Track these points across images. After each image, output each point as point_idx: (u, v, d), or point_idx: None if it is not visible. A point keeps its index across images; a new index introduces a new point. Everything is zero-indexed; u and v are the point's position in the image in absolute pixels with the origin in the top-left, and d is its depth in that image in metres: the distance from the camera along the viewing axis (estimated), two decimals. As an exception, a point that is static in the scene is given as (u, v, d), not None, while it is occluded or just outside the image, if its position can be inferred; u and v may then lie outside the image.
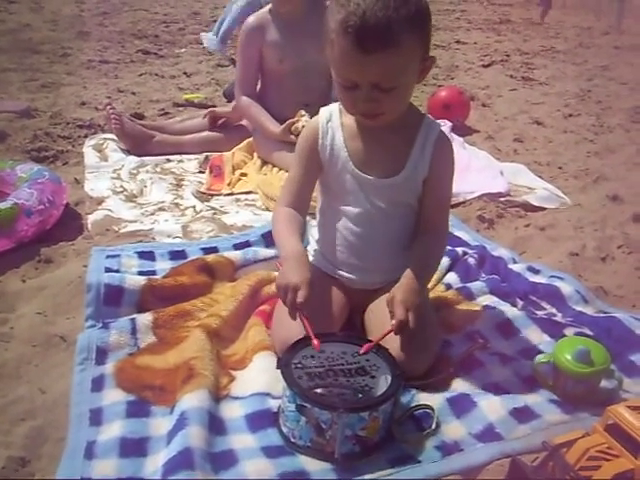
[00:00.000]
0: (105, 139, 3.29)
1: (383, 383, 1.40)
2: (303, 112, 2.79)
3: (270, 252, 2.04)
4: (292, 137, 2.74)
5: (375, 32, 1.42)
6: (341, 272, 1.74)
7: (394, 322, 1.47)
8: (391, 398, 1.36)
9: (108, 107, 3.17)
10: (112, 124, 3.09)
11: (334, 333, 1.55)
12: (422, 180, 1.66)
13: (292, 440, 1.36)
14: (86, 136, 3.45)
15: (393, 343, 1.51)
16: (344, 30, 1.44)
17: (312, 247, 1.85)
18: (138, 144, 3.12)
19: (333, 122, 1.70)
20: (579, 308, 1.90)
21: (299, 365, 1.43)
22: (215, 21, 8.69)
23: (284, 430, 1.38)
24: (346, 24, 1.43)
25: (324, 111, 1.74)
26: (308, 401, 1.31)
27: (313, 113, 2.71)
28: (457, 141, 3.35)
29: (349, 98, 1.56)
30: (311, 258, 1.81)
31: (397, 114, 1.60)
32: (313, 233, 1.88)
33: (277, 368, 1.39)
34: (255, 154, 3.05)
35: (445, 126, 3.41)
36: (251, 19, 3.00)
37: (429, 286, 1.96)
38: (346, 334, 1.55)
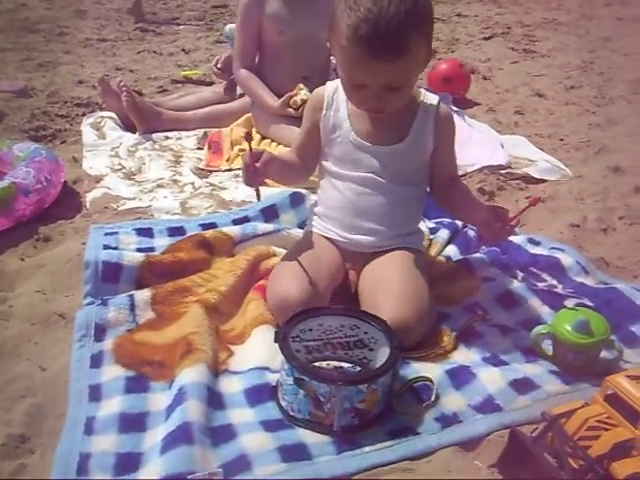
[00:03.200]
0: (103, 117, 3.26)
1: (382, 355, 1.40)
2: (302, 85, 2.76)
3: (269, 227, 2.03)
4: (290, 110, 2.73)
5: (388, 42, 1.45)
6: (338, 232, 1.76)
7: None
8: (390, 370, 1.35)
9: (120, 82, 3.15)
10: (123, 98, 3.05)
11: (330, 307, 1.54)
12: (428, 152, 1.72)
13: (291, 413, 1.36)
14: (84, 114, 3.43)
15: (389, 310, 1.51)
16: (356, 37, 1.46)
17: (312, 216, 1.87)
18: (146, 119, 3.09)
19: (339, 95, 1.74)
20: (580, 279, 1.90)
21: (297, 338, 1.43)
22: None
23: (283, 404, 1.38)
24: (357, 32, 1.46)
25: (331, 83, 1.78)
26: (306, 374, 1.31)
27: (312, 87, 2.70)
28: (457, 115, 3.32)
29: (357, 96, 1.62)
30: (309, 227, 1.86)
31: (401, 106, 1.65)
32: (313, 204, 1.91)
33: (275, 342, 1.39)
34: (254, 129, 3.03)
35: (446, 99, 3.38)
36: None
37: (429, 257, 1.97)
38: (344, 307, 1.54)
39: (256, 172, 1.59)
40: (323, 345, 1.47)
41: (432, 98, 1.75)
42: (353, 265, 1.76)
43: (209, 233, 1.99)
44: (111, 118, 3.24)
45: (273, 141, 2.88)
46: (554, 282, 1.90)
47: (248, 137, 1.66)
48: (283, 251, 1.90)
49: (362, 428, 1.34)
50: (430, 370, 1.50)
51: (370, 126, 1.71)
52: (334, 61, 2.74)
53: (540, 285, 1.86)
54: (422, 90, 1.78)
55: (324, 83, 2.70)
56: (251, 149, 1.57)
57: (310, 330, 1.45)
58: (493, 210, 1.57)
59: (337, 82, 1.75)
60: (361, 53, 1.47)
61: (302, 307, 1.51)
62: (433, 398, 1.42)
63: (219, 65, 3.40)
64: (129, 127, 3.17)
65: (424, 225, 2.08)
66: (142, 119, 3.08)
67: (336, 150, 1.76)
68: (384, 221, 1.72)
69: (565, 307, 1.62)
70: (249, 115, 3.08)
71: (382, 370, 1.35)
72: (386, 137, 1.70)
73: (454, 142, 1.78)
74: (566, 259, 1.95)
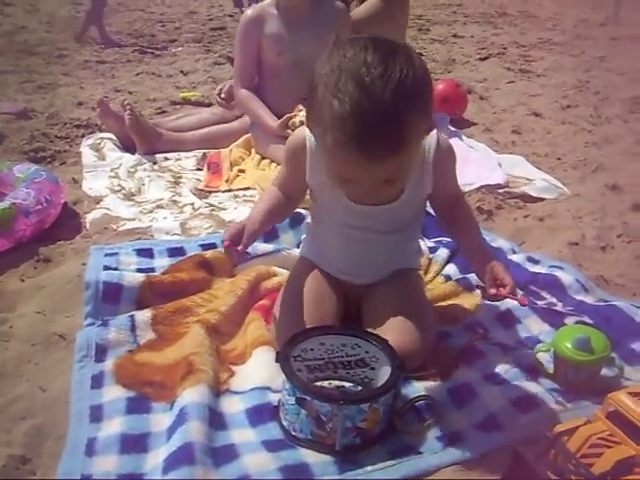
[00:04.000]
0: (102, 138, 3.28)
1: (383, 374, 1.40)
2: (301, 107, 2.78)
3: (269, 247, 2.04)
4: (289, 132, 2.74)
5: (384, 140, 1.22)
6: (336, 270, 1.72)
7: (508, 287, 1.46)
8: (391, 389, 1.35)
9: (125, 102, 3.17)
10: (127, 116, 3.07)
11: (333, 325, 1.54)
12: (426, 194, 1.61)
13: (293, 433, 1.36)
14: (83, 136, 3.45)
15: (389, 334, 1.50)
16: (344, 138, 1.22)
17: (306, 240, 1.85)
18: (147, 140, 3.11)
19: None
20: (579, 297, 1.90)
21: (298, 358, 1.43)
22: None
23: (284, 423, 1.38)
24: (345, 130, 1.21)
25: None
26: (308, 394, 1.31)
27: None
28: (455, 134, 3.34)
29: (349, 188, 1.41)
30: (305, 250, 1.82)
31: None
32: (308, 228, 1.88)
33: (276, 361, 1.39)
34: (253, 150, 3.05)
35: (444, 119, 3.40)
36: (249, 11, 3.01)
37: (428, 278, 1.97)
38: (345, 326, 1.54)
39: (242, 253, 1.49)
40: (325, 364, 1.47)
41: (430, 137, 1.52)
42: (353, 296, 1.73)
43: (209, 253, 2.00)
44: (110, 139, 3.26)
45: (272, 161, 2.90)
46: (554, 300, 1.90)
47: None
48: (283, 271, 1.90)
49: (364, 447, 1.33)
50: (431, 389, 1.50)
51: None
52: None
53: (540, 303, 1.86)
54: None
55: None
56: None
57: (312, 349, 1.45)
58: (491, 275, 1.50)
59: None
60: (351, 154, 1.24)
61: None
62: (434, 417, 1.42)
63: (222, 95, 3.40)
64: (128, 148, 3.19)
65: (423, 244, 2.08)
66: (143, 139, 3.09)
67: (325, 198, 1.62)
68: (380, 262, 1.68)
69: (565, 325, 1.63)
70: (248, 135, 3.10)
71: (383, 389, 1.35)
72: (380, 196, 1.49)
73: (455, 170, 1.65)
74: (565, 277, 1.95)
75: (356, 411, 1.30)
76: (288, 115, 2.79)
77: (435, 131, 1.53)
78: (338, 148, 1.25)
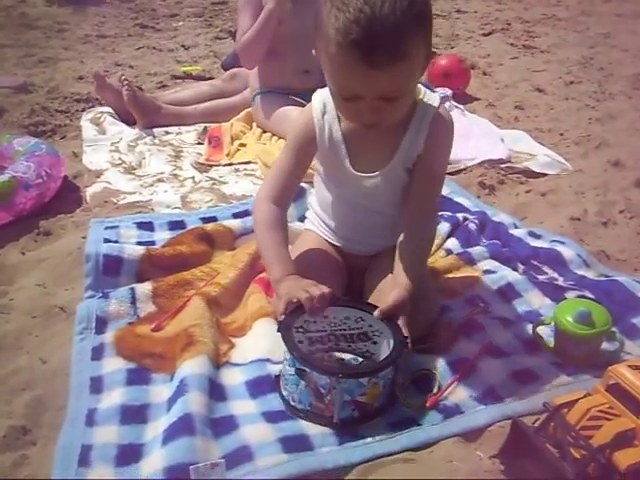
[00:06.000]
0: (102, 112, 3.26)
1: (385, 349, 1.40)
2: None
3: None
4: None
5: (384, 45, 1.27)
6: (338, 239, 1.74)
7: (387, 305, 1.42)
8: (391, 365, 1.35)
9: (122, 76, 3.15)
10: (125, 92, 3.05)
11: (338, 297, 1.51)
12: (417, 157, 1.58)
13: (292, 404, 1.36)
14: (84, 110, 3.42)
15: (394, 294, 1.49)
16: (346, 43, 1.28)
17: (311, 213, 1.84)
18: (146, 114, 3.09)
19: (328, 114, 1.58)
20: (581, 272, 1.90)
21: (300, 329, 1.43)
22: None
23: (284, 394, 1.38)
24: (348, 36, 1.27)
25: (317, 102, 1.60)
26: (307, 365, 1.31)
27: (314, 81, 2.69)
28: (457, 109, 3.32)
29: (350, 109, 1.44)
30: (309, 224, 1.82)
31: (399, 118, 1.49)
32: (312, 201, 1.86)
33: (278, 331, 1.38)
34: (254, 124, 3.03)
35: (446, 94, 3.38)
36: None
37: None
38: (350, 299, 1.54)
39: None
40: (327, 337, 1.47)
41: (429, 108, 1.55)
42: (356, 265, 1.73)
43: (210, 226, 2.00)
44: (110, 113, 3.23)
45: (273, 135, 2.88)
46: (555, 275, 1.90)
47: None
48: (285, 243, 1.90)
49: (362, 421, 1.34)
50: (432, 362, 1.50)
51: (365, 146, 1.57)
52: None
53: (541, 278, 1.87)
54: (422, 89, 1.59)
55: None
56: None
57: (314, 322, 1.45)
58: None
59: (322, 97, 1.59)
60: (353, 60, 1.28)
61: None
62: (435, 390, 1.42)
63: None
64: (128, 121, 3.17)
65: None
66: (142, 113, 3.07)
67: (330, 169, 1.66)
68: (384, 234, 1.67)
69: (566, 299, 1.62)
70: (249, 110, 3.08)
71: (384, 364, 1.34)
72: (379, 155, 1.57)
73: (443, 156, 1.63)
74: (567, 252, 1.95)
75: (355, 385, 1.30)
76: None
77: (438, 96, 1.58)
78: (340, 55, 1.30)
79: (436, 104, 1.56)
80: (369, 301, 1.56)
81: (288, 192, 1.68)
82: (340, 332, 1.47)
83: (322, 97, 1.59)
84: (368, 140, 1.55)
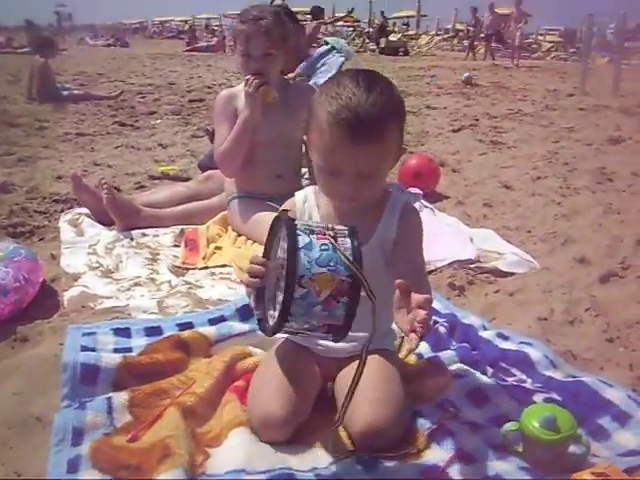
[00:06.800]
0: (80, 214, 3.33)
1: None
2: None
3: (244, 327, 2.07)
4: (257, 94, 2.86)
5: (366, 126, 1.54)
6: (313, 343, 1.77)
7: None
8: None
9: (102, 180, 3.24)
10: (104, 195, 3.13)
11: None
12: (392, 242, 1.72)
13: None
14: (62, 211, 3.50)
15: (365, 417, 1.54)
16: (337, 122, 1.55)
17: None
18: (125, 216, 3.16)
19: (309, 202, 1.80)
20: (548, 373, 1.94)
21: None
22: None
23: None
24: (339, 116, 1.54)
25: (299, 194, 1.84)
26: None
27: (287, 184, 2.79)
28: (427, 210, 3.42)
29: (332, 183, 1.65)
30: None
31: (372, 198, 1.70)
32: None
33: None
34: (229, 227, 3.11)
35: (417, 194, 3.49)
36: (224, 92, 3.13)
37: (401, 356, 2.00)
38: None
39: None
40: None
41: (401, 196, 1.80)
42: (329, 371, 1.78)
43: (186, 334, 2.03)
44: (88, 215, 3.31)
45: (248, 239, 2.96)
46: (523, 376, 1.94)
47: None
48: (259, 351, 1.94)
49: None
50: (403, 469, 1.52)
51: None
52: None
53: (510, 380, 1.91)
54: (392, 189, 1.83)
55: (298, 180, 2.79)
56: None
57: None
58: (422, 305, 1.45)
59: (305, 191, 1.83)
60: (340, 136, 1.55)
61: (285, 424, 1.57)
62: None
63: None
64: (104, 222, 3.24)
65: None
66: (121, 216, 3.14)
67: None
68: (359, 327, 1.73)
69: (533, 403, 1.67)
70: (225, 213, 3.16)
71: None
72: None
73: (418, 242, 1.77)
74: (534, 353, 2.00)
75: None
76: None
77: (406, 193, 1.74)
78: (330, 131, 1.56)
79: (403, 200, 1.79)
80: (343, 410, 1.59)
81: None
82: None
83: (304, 191, 1.84)
84: (345, 221, 1.62)
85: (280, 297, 1.36)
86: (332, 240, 1.38)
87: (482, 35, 21.49)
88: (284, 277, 1.35)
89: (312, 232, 1.39)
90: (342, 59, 3.84)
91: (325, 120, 1.57)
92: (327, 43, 4.27)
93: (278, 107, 2.93)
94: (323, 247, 1.36)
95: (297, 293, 1.33)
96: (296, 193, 1.85)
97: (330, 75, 3.56)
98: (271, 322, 1.42)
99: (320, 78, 3.82)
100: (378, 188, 1.70)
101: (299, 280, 1.33)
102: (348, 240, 1.41)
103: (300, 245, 1.35)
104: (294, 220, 1.43)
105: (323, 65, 3.85)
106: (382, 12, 30.64)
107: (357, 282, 1.37)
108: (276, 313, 1.39)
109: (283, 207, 1.84)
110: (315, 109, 1.62)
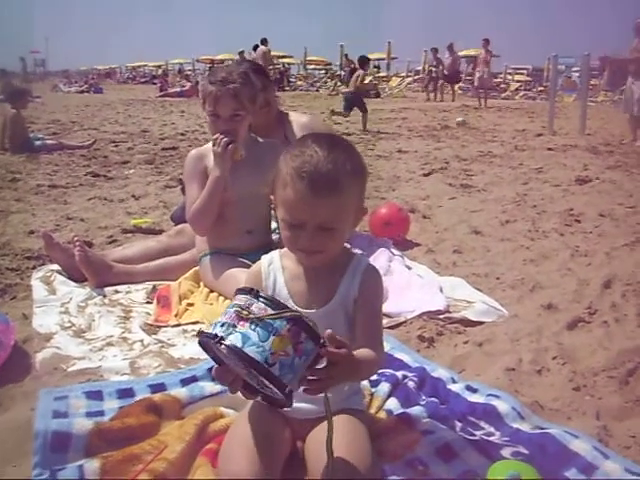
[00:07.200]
0: (52, 270, 3.34)
1: None
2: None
3: (216, 387, 2.08)
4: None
5: (325, 180, 1.64)
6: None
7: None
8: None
9: (74, 238, 3.26)
10: (76, 252, 3.15)
11: None
12: (353, 302, 1.77)
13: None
14: (34, 267, 3.50)
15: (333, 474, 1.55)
16: (299, 175, 1.64)
17: None
18: (97, 273, 3.18)
19: (274, 265, 1.86)
20: (516, 425, 1.98)
21: None
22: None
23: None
24: (301, 170, 1.65)
25: (265, 257, 1.90)
26: None
27: (256, 240, 2.83)
28: (397, 259, 3.47)
29: (293, 236, 1.71)
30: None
31: (333, 253, 1.75)
32: None
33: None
34: (202, 283, 3.14)
35: (387, 242, 3.54)
36: (193, 152, 3.18)
37: (372, 412, 2.03)
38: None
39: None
40: None
41: (363, 260, 1.85)
42: (299, 432, 1.80)
43: (157, 397, 2.04)
44: (60, 272, 3.31)
45: (220, 295, 2.98)
46: (491, 429, 1.97)
47: None
48: (231, 412, 1.96)
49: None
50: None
51: (306, 290, 1.79)
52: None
53: (478, 433, 1.94)
54: (356, 252, 1.90)
55: (268, 235, 2.83)
56: None
57: None
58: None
59: (271, 254, 1.88)
60: (302, 189, 1.63)
61: None
62: None
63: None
64: (76, 279, 3.25)
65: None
66: (94, 273, 3.16)
67: None
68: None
69: (500, 459, 1.70)
70: (197, 269, 3.19)
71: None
72: (319, 296, 1.78)
73: (378, 304, 1.84)
74: (502, 405, 2.03)
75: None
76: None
77: (368, 260, 1.88)
78: (293, 184, 1.65)
79: (366, 262, 1.85)
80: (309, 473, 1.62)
81: None
82: None
83: (270, 255, 1.90)
84: (309, 282, 1.81)
85: (266, 382, 1.43)
86: (250, 315, 1.43)
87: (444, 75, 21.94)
88: (255, 371, 1.41)
89: (234, 325, 1.42)
90: None
91: (289, 174, 1.67)
92: None
93: (246, 164, 2.98)
94: (252, 327, 1.41)
95: (275, 370, 1.38)
96: (262, 257, 1.90)
97: None
98: (279, 396, 1.45)
99: None
100: (339, 243, 1.76)
101: (266, 363, 1.38)
102: (255, 300, 1.45)
103: (240, 344, 1.39)
104: (212, 336, 1.45)
105: None
106: (346, 55, 31.09)
107: (297, 318, 1.43)
108: (276, 390, 1.43)
109: (251, 268, 1.94)
110: (280, 167, 1.72)
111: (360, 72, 12.39)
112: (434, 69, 22.80)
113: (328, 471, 1.53)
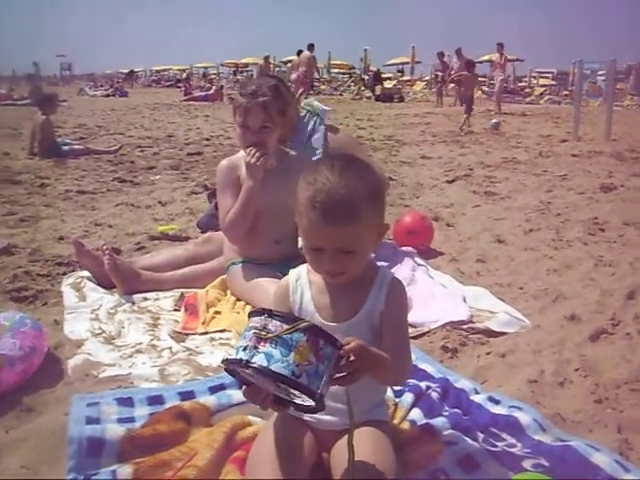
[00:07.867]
0: (82, 277, 3.42)
1: None
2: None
3: (243, 396, 2.14)
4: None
5: (338, 208, 1.64)
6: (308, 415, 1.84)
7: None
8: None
9: (103, 246, 3.33)
10: (106, 260, 3.23)
11: None
12: (379, 315, 1.80)
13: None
14: (64, 273, 3.57)
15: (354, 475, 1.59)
16: (312, 205, 1.65)
17: None
18: (126, 281, 3.26)
19: (302, 280, 1.88)
20: (537, 437, 2.01)
21: None
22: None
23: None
24: (314, 200, 1.65)
25: (293, 272, 1.92)
26: None
27: (284, 250, 2.88)
28: (421, 269, 3.50)
29: (316, 259, 1.74)
30: None
31: (357, 272, 1.77)
32: None
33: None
34: (228, 291, 3.19)
35: (411, 252, 3.58)
36: (224, 162, 3.23)
37: (395, 422, 2.07)
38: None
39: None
40: None
41: (389, 273, 1.87)
42: (325, 443, 1.84)
43: (187, 404, 2.10)
44: (89, 278, 3.39)
45: (247, 304, 3.03)
46: (513, 440, 2.00)
47: None
48: (258, 420, 2.01)
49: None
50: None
51: (332, 305, 1.83)
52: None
53: (500, 445, 1.97)
54: (380, 264, 1.93)
55: (295, 246, 2.89)
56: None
57: None
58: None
59: (298, 269, 1.91)
60: (315, 217, 1.64)
61: None
62: None
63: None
64: (105, 285, 3.33)
65: (389, 388, 2.19)
66: (123, 281, 3.23)
67: None
68: (354, 399, 1.74)
69: (521, 471, 1.73)
70: (224, 277, 3.25)
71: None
72: (345, 310, 1.80)
73: (403, 316, 1.86)
74: (524, 417, 2.07)
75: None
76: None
77: (392, 272, 1.90)
78: (308, 214, 1.66)
79: (390, 275, 1.87)
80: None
81: None
82: None
83: (298, 270, 1.92)
84: (335, 296, 1.83)
85: (297, 392, 1.49)
86: (269, 335, 1.48)
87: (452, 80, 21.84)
88: (283, 385, 1.48)
89: (256, 347, 1.46)
90: (322, 128, 3.92)
91: (303, 204, 1.68)
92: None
93: (274, 176, 3.05)
94: (273, 345, 1.46)
95: (303, 380, 1.44)
96: (290, 271, 1.93)
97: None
98: (311, 402, 1.50)
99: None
100: (361, 262, 1.77)
101: (294, 376, 1.43)
102: (269, 320, 1.50)
103: (266, 364, 1.44)
104: (238, 361, 1.49)
105: (310, 137, 3.94)
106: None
107: (311, 327, 1.48)
108: (307, 398, 1.48)
109: (280, 282, 1.97)
110: (297, 194, 1.73)
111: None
112: (440, 73, 22.74)
113: (349, 472, 1.58)
